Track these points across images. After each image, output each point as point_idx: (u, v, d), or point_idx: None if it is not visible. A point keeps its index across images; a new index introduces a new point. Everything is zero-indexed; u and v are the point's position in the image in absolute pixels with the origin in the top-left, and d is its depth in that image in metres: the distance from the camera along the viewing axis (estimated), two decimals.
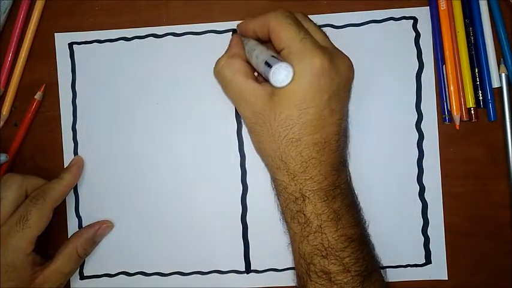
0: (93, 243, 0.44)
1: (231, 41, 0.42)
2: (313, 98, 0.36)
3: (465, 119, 0.43)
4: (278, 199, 0.40)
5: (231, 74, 0.40)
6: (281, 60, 0.36)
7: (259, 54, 0.39)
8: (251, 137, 0.41)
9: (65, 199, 0.45)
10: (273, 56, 0.37)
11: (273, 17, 0.38)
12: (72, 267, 0.42)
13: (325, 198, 0.37)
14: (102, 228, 0.45)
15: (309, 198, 0.37)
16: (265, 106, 0.38)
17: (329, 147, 0.37)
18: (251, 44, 0.41)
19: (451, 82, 0.43)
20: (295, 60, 0.36)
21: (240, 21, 0.43)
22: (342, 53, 0.39)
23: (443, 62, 0.43)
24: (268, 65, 0.36)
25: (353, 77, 0.39)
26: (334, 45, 0.40)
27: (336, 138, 0.38)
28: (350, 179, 0.40)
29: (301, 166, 0.37)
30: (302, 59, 0.36)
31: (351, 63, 0.39)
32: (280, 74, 0.36)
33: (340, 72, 0.37)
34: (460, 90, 0.43)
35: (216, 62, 0.41)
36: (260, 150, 0.40)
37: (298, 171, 0.37)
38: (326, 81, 0.36)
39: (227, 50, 0.42)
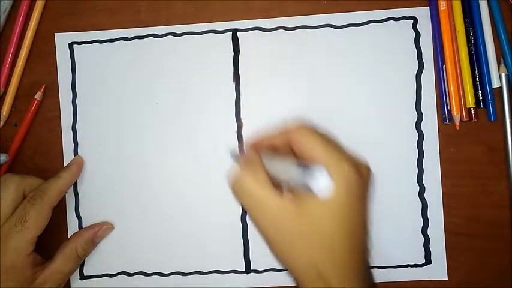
0: (92, 244, 0.44)
1: (246, 153, 0.40)
2: (349, 208, 0.35)
3: (465, 119, 0.43)
4: None
5: (251, 184, 0.37)
6: (319, 168, 0.35)
7: (285, 164, 0.37)
8: (270, 245, 0.38)
9: (65, 199, 0.45)
10: (304, 165, 0.36)
11: (295, 132, 0.37)
12: (71, 267, 0.42)
13: None
14: (102, 229, 0.45)
15: None
16: (293, 219, 0.35)
17: (359, 252, 0.36)
18: (268, 154, 0.39)
19: (451, 82, 0.43)
20: (330, 171, 0.35)
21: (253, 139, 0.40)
22: (358, 157, 0.37)
23: (443, 62, 0.43)
24: (306, 172, 0.35)
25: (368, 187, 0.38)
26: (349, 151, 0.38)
27: (365, 247, 0.36)
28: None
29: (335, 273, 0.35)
30: (336, 172, 0.35)
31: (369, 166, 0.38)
32: (323, 182, 0.35)
33: (364, 178, 0.36)
34: (460, 90, 0.43)
35: (232, 174, 0.38)
36: (284, 257, 0.37)
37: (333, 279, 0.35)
38: (358, 191, 0.36)
39: (243, 160, 0.39)
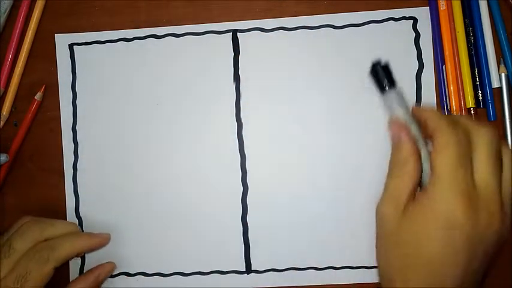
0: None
1: (399, 131, 0.36)
2: (438, 242, 0.33)
3: None
4: None
5: (399, 179, 0.35)
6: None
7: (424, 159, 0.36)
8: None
9: (65, 200, 0.45)
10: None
11: (443, 132, 0.34)
12: None
13: None
14: (103, 272, 0.44)
15: None
16: (396, 220, 0.35)
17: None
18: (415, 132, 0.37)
19: (451, 82, 0.43)
20: (435, 194, 0.33)
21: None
22: (495, 200, 0.33)
23: (443, 62, 0.43)
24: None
25: (493, 231, 0.33)
26: (495, 187, 0.34)
27: (451, 279, 0.33)
28: None
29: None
30: (441, 200, 0.33)
31: (497, 215, 0.33)
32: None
33: (476, 229, 0.33)
34: (460, 90, 0.43)
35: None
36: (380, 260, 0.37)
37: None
38: (457, 234, 0.33)
39: (399, 143, 0.36)
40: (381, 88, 0.38)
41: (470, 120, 0.36)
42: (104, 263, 0.44)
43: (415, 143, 0.35)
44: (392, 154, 0.36)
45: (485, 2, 0.43)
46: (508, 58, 0.43)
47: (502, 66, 0.43)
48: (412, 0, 0.44)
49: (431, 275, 0.34)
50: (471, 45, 0.43)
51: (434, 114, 0.35)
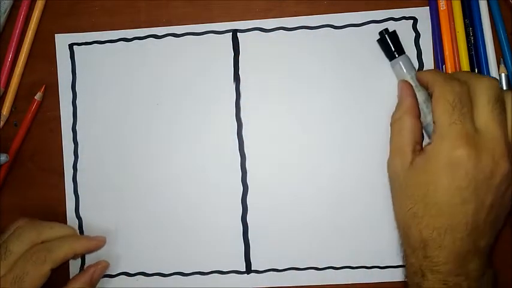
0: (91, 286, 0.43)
1: (402, 90, 0.41)
2: (443, 183, 0.36)
3: None
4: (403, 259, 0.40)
5: (399, 135, 0.40)
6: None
7: (426, 114, 0.40)
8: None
9: (65, 200, 0.45)
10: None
11: (438, 84, 0.38)
12: None
13: (445, 283, 0.36)
14: (98, 269, 0.43)
15: (427, 276, 0.36)
16: (404, 172, 0.38)
17: (452, 233, 0.36)
18: (422, 96, 0.41)
19: None
20: (436, 143, 0.37)
21: None
22: (499, 143, 0.36)
23: (443, 62, 0.43)
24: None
25: (501, 173, 0.36)
26: (498, 130, 0.36)
27: (463, 228, 0.36)
28: (489, 275, 0.38)
29: (420, 243, 0.37)
30: (442, 145, 0.36)
31: (505, 158, 0.36)
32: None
33: (480, 167, 0.35)
34: None
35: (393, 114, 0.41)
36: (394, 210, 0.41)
37: (418, 248, 0.37)
38: (461, 174, 0.36)
39: (399, 101, 0.41)
40: (390, 55, 0.42)
41: (470, 73, 0.40)
42: (98, 261, 0.44)
43: (414, 101, 0.40)
44: (394, 111, 0.41)
45: (485, 2, 0.43)
46: (508, 58, 0.43)
47: (502, 66, 0.43)
48: (412, 0, 0.44)
49: (440, 214, 0.36)
50: (471, 45, 0.43)
51: (432, 73, 0.40)
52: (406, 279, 0.39)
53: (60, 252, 0.40)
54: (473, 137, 0.36)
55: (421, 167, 0.37)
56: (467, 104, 0.37)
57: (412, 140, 0.39)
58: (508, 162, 0.36)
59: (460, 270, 0.36)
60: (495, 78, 0.38)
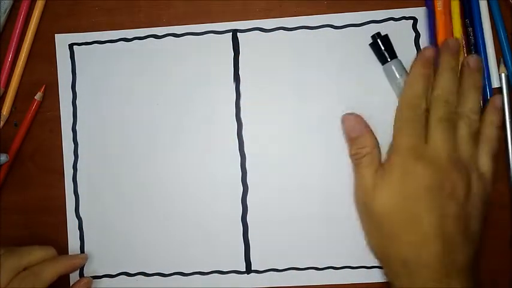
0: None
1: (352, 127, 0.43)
2: (401, 195, 0.38)
3: None
4: None
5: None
6: None
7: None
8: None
9: (65, 200, 0.45)
10: None
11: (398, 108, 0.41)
12: None
13: None
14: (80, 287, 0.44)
15: None
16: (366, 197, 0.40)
17: (427, 248, 0.37)
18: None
19: None
20: (390, 157, 0.40)
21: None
22: (442, 154, 0.38)
23: None
24: None
25: (451, 181, 0.37)
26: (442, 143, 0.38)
27: (436, 241, 0.37)
28: None
29: (401, 263, 0.38)
30: (395, 159, 0.39)
31: (450, 167, 0.38)
32: None
33: (415, 177, 0.38)
34: None
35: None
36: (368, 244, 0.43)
37: (399, 269, 0.38)
38: (412, 184, 0.38)
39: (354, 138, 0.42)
40: (382, 59, 0.43)
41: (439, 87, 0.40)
42: (80, 279, 0.44)
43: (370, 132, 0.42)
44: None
45: (485, 2, 0.43)
46: (508, 58, 0.43)
47: (502, 66, 0.43)
48: (412, 0, 0.44)
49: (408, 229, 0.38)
50: (471, 45, 0.43)
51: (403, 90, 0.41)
52: None
53: (47, 275, 0.40)
54: (422, 152, 0.38)
55: (380, 184, 0.39)
56: (421, 123, 0.39)
57: (374, 166, 0.40)
58: (454, 171, 0.38)
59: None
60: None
